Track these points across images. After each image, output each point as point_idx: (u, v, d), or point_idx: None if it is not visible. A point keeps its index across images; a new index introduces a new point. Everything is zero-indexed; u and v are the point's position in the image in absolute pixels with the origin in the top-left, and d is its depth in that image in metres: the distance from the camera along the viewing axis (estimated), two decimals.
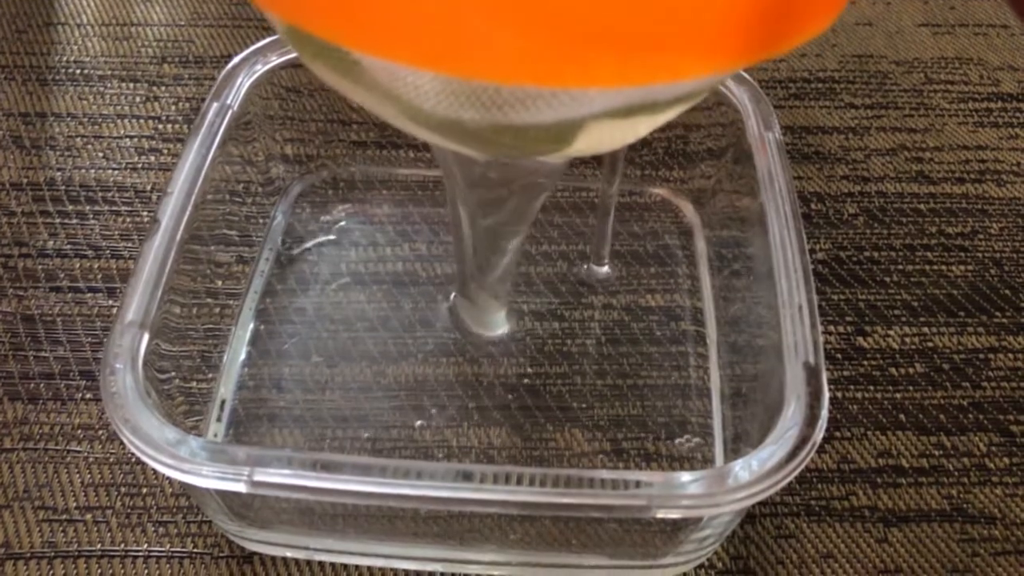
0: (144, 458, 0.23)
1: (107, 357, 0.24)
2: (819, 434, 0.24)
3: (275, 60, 0.33)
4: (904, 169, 0.41)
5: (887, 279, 0.37)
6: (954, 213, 0.39)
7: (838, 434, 0.32)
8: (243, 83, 0.33)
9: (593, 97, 0.20)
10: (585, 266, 0.36)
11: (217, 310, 0.33)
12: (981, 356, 0.34)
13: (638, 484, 0.22)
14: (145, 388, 0.24)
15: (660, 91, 0.20)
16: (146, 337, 0.25)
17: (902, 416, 0.33)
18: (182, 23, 0.46)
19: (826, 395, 0.24)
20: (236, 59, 0.33)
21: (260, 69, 0.33)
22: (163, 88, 0.43)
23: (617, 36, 0.16)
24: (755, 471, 0.23)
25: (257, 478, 0.22)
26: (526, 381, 0.33)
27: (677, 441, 0.31)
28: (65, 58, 0.44)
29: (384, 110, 0.21)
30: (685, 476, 0.23)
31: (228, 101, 0.31)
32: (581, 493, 0.22)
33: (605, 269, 0.36)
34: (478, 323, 0.34)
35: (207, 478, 0.22)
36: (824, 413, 0.24)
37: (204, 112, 0.31)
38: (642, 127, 0.22)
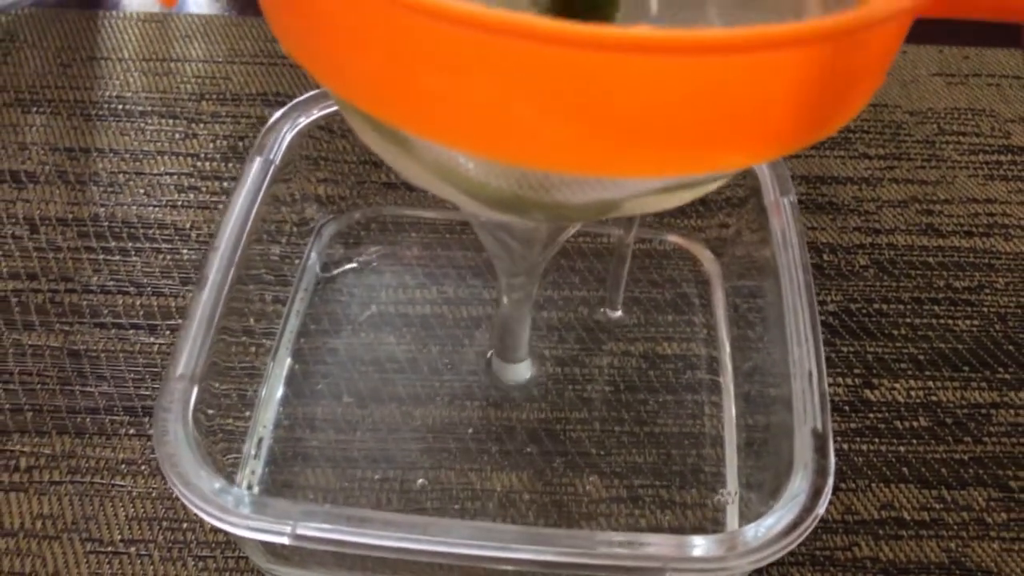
0: (193, 508, 0.25)
1: (158, 411, 0.26)
2: (824, 505, 0.25)
3: (316, 113, 0.35)
4: (915, 221, 0.42)
5: (895, 332, 0.38)
6: (962, 267, 0.41)
7: (843, 486, 0.34)
8: (285, 136, 0.34)
9: (636, 182, 0.22)
10: (601, 310, 0.38)
11: (253, 349, 0.35)
12: (983, 411, 0.36)
13: (651, 547, 0.24)
14: (194, 437, 0.26)
15: (699, 175, 0.22)
16: (195, 390, 0.27)
17: (905, 469, 0.34)
18: (219, 59, 0.48)
19: (832, 464, 0.26)
20: (279, 113, 0.35)
21: (303, 122, 0.35)
22: (201, 125, 0.44)
23: (658, 134, 0.18)
24: (763, 537, 0.24)
25: (300, 531, 0.24)
26: (547, 426, 0.34)
27: (717, 498, 0.33)
28: (107, 93, 0.46)
29: (432, 183, 0.23)
30: (697, 540, 0.24)
31: (271, 156, 0.33)
32: (599, 555, 0.24)
33: (619, 314, 0.38)
34: (509, 373, 0.36)
35: (253, 531, 0.24)
36: (830, 482, 0.26)
37: (248, 165, 0.33)
38: (681, 199, 0.24)
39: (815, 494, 0.26)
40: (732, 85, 0.17)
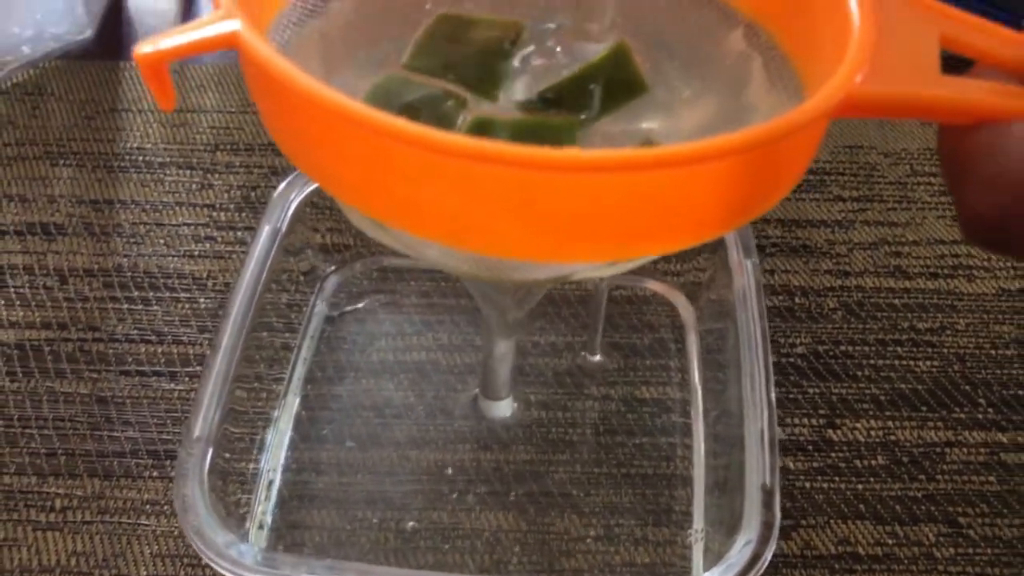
0: (208, 560, 0.28)
1: (179, 471, 0.30)
2: (770, 551, 0.28)
3: None
4: (883, 263, 0.45)
5: (859, 373, 0.41)
6: (925, 308, 0.43)
7: (804, 522, 0.37)
8: (292, 203, 0.37)
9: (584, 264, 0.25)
10: (582, 354, 0.41)
11: (264, 395, 0.38)
12: (938, 450, 0.39)
13: None
14: (209, 496, 0.29)
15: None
16: (211, 451, 0.30)
17: (862, 506, 0.37)
18: (232, 110, 0.51)
19: (777, 518, 0.29)
20: (284, 183, 0.38)
21: (308, 188, 0.38)
22: (216, 175, 0.48)
23: (593, 229, 0.21)
24: None
25: None
26: (532, 468, 0.38)
27: (686, 536, 0.36)
28: (129, 144, 0.49)
29: (410, 252, 0.27)
30: None
31: (279, 225, 0.36)
32: None
33: (597, 358, 0.41)
34: (492, 410, 0.39)
35: None
36: (775, 534, 0.29)
37: (257, 235, 0.36)
38: (631, 266, 0.27)
39: (763, 540, 0.29)
40: (650, 192, 0.21)
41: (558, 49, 0.28)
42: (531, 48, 0.28)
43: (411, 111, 0.26)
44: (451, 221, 0.21)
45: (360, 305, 0.42)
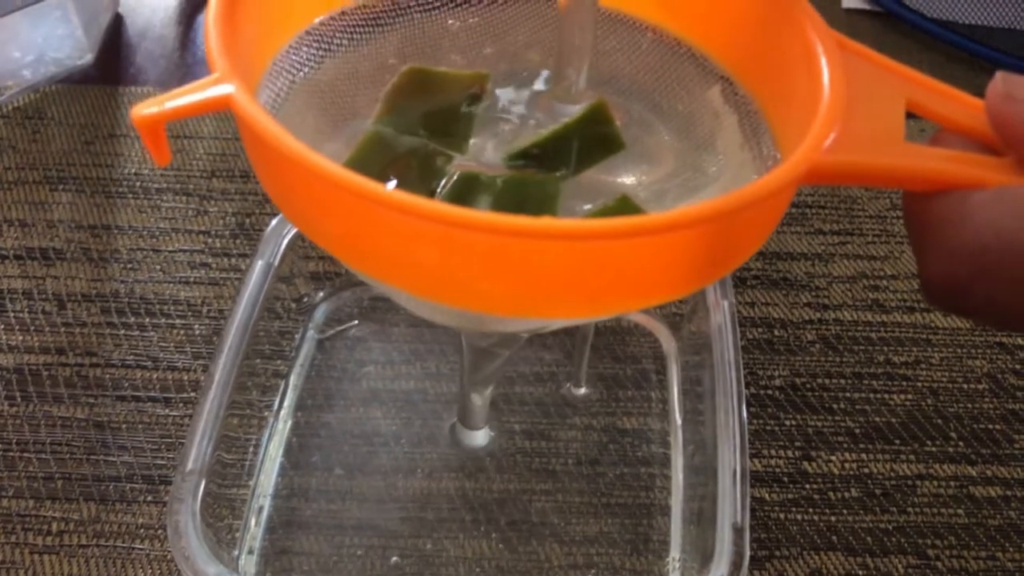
0: None
1: (171, 503, 0.31)
2: None
3: None
4: (861, 297, 0.46)
5: (835, 406, 0.42)
6: (901, 342, 0.45)
7: (777, 553, 0.38)
8: (284, 238, 0.39)
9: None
10: (567, 385, 0.42)
11: (255, 421, 0.40)
12: (909, 483, 0.40)
13: None
14: (201, 529, 0.31)
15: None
16: (203, 484, 0.31)
17: (834, 537, 0.38)
18: (228, 136, 0.52)
19: (747, 555, 0.30)
20: (277, 218, 0.39)
21: None
22: (212, 202, 0.49)
23: (564, 291, 0.23)
24: None
25: None
26: (514, 496, 0.39)
27: (663, 566, 0.37)
28: (127, 170, 0.50)
29: (391, 297, 0.28)
30: None
31: (271, 260, 0.37)
32: None
33: (583, 391, 0.42)
34: (468, 439, 0.40)
35: None
36: (744, 570, 0.30)
37: (250, 269, 0.37)
38: (608, 316, 0.29)
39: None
40: (621, 257, 0.22)
41: (532, 104, 0.29)
42: (507, 100, 0.29)
43: (399, 165, 0.27)
44: (432, 279, 0.22)
45: (351, 324, 0.44)
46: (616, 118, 0.28)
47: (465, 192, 0.26)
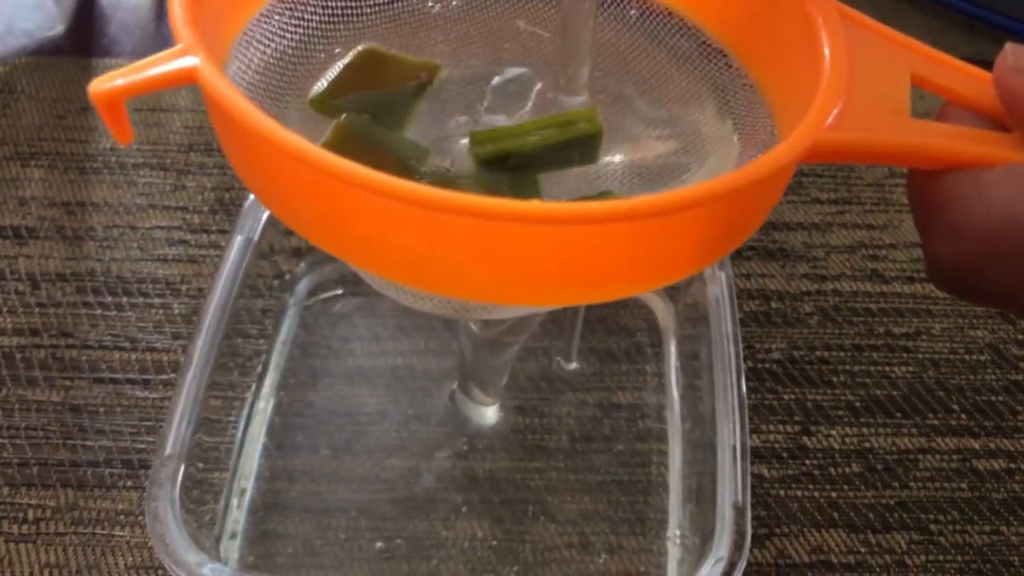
0: None
1: (150, 489, 0.29)
2: (742, 566, 0.29)
3: None
4: (860, 267, 0.45)
5: (834, 379, 0.41)
6: (901, 313, 0.43)
7: (778, 531, 0.37)
8: (264, 213, 0.37)
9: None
10: (558, 359, 0.41)
11: (237, 403, 0.38)
12: (911, 457, 0.39)
13: None
14: (181, 515, 0.29)
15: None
16: (183, 468, 0.30)
17: (836, 514, 0.37)
18: (205, 109, 0.50)
19: (748, 533, 0.29)
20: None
21: None
22: (190, 177, 0.47)
23: (553, 277, 0.21)
24: None
25: None
26: (507, 475, 0.37)
27: (659, 543, 0.36)
28: (101, 145, 0.48)
29: (372, 284, 0.27)
30: None
31: (251, 235, 0.36)
32: None
33: (573, 365, 0.41)
34: (474, 414, 0.39)
35: None
36: (746, 549, 0.29)
37: (229, 245, 0.36)
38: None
39: (734, 556, 0.29)
40: (616, 242, 0.21)
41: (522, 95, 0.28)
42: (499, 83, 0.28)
43: (375, 153, 0.26)
44: (414, 265, 0.21)
45: (335, 292, 0.42)
46: (600, 115, 0.27)
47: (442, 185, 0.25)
